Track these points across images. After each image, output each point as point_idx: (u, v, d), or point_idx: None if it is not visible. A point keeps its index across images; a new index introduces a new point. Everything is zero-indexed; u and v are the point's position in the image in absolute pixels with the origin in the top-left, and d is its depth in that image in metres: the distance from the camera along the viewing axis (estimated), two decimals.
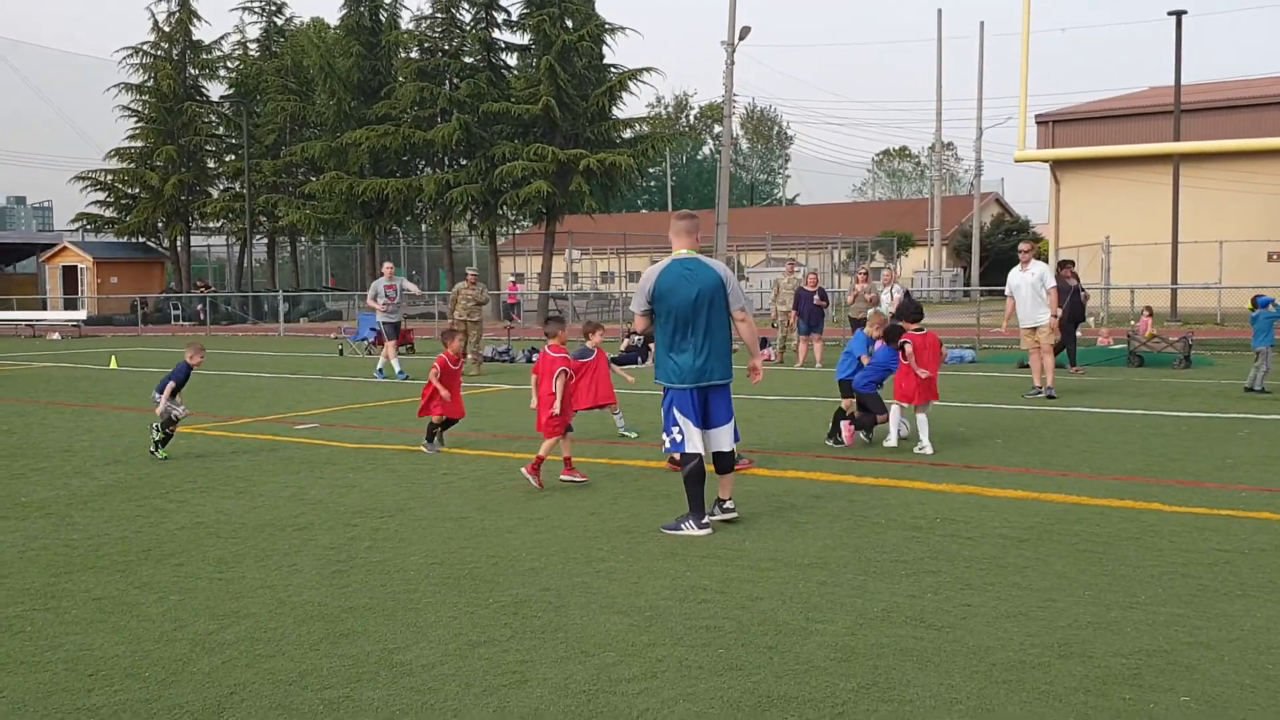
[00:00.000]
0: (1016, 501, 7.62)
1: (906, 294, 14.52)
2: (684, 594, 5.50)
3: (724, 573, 5.88)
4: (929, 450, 9.60)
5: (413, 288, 19.69)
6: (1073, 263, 18.66)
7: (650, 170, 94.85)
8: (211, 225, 48.96)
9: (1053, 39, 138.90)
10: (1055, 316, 14.12)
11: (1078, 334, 18.19)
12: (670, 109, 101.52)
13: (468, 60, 39.70)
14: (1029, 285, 14.18)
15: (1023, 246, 14.78)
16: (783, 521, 7.12)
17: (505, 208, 38.34)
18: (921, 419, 9.88)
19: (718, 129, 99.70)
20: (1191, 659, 4.48)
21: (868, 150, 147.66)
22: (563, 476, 8.60)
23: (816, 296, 19.07)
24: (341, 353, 24.43)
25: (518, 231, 50.47)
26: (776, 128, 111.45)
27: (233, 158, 48.14)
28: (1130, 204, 36.16)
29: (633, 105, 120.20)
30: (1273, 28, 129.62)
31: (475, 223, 40.42)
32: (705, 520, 6.79)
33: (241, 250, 48.56)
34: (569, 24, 37.78)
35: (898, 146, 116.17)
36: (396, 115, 39.16)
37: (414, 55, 40.00)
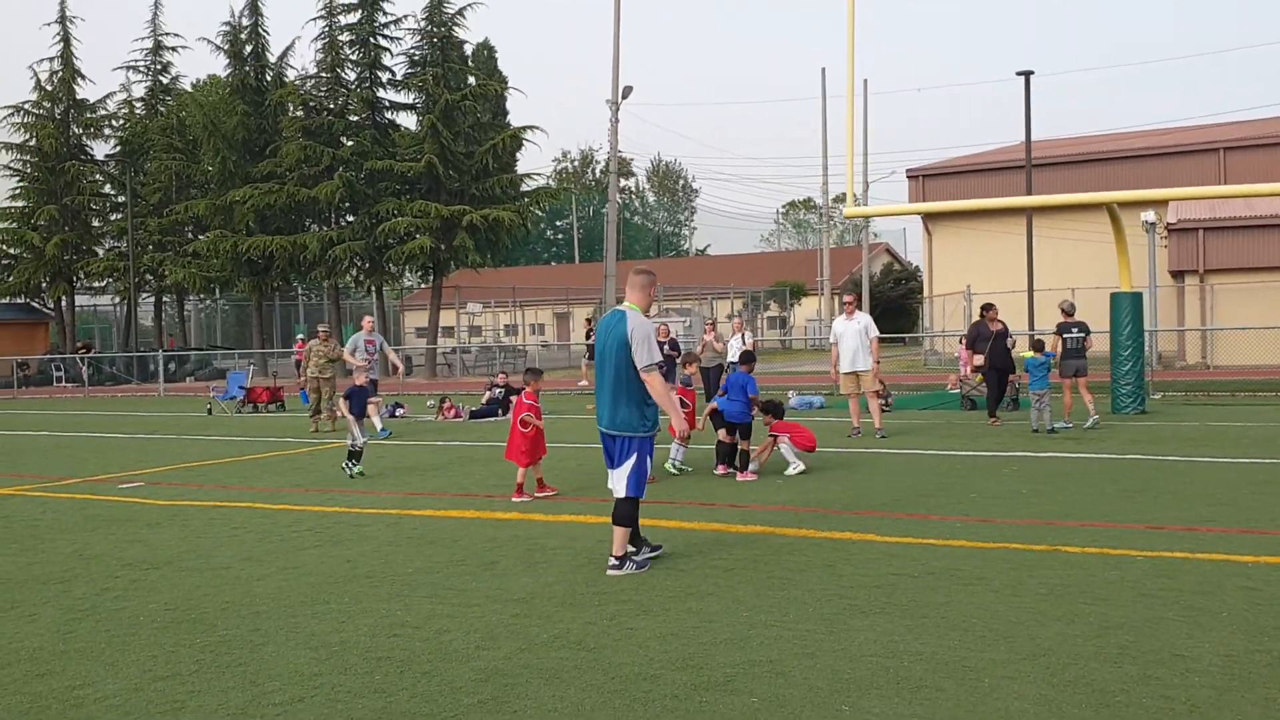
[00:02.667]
0: (749, 537, 8.27)
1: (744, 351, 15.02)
2: (382, 630, 5.98)
3: (432, 609, 6.39)
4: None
5: (391, 355, 19.08)
6: (994, 307, 17.73)
7: (542, 222, 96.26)
8: (96, 285, 48.33)
9: (923, 101, 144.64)
10: (877, 363, 15.22)
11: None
12: (576, 163, 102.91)
13: (353, 119, 40.16)
14: (854, 333, 15.19)
15: (847, 298, 15.84)
16: (524, 562, 7.65)
17: (390, 264, 38.66)
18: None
19: (622, 183, 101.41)
20: (788, 667, 5.11)
21: (773, 203, 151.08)
22: (537, 494, 10.40)
23: (667, 346, 19.70)
24: (210, 411, 24.46)
25: (406, 286, 50.73)
26: (682, 180, 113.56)
27: (118, 216, 47.75)
28: (992, 254, 37.84)
29: (534, 162, 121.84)
30: (1115, 87, 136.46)
31: (361, 279, 40.64)
32: (641, 558, 7.34)
33: (127, 310, 47.99)
34: (452, 83, 38.51)
35: (802, 198, 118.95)
36: (282, 173, 39.38)
37: (299, 114, 40.33)
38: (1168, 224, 30.94)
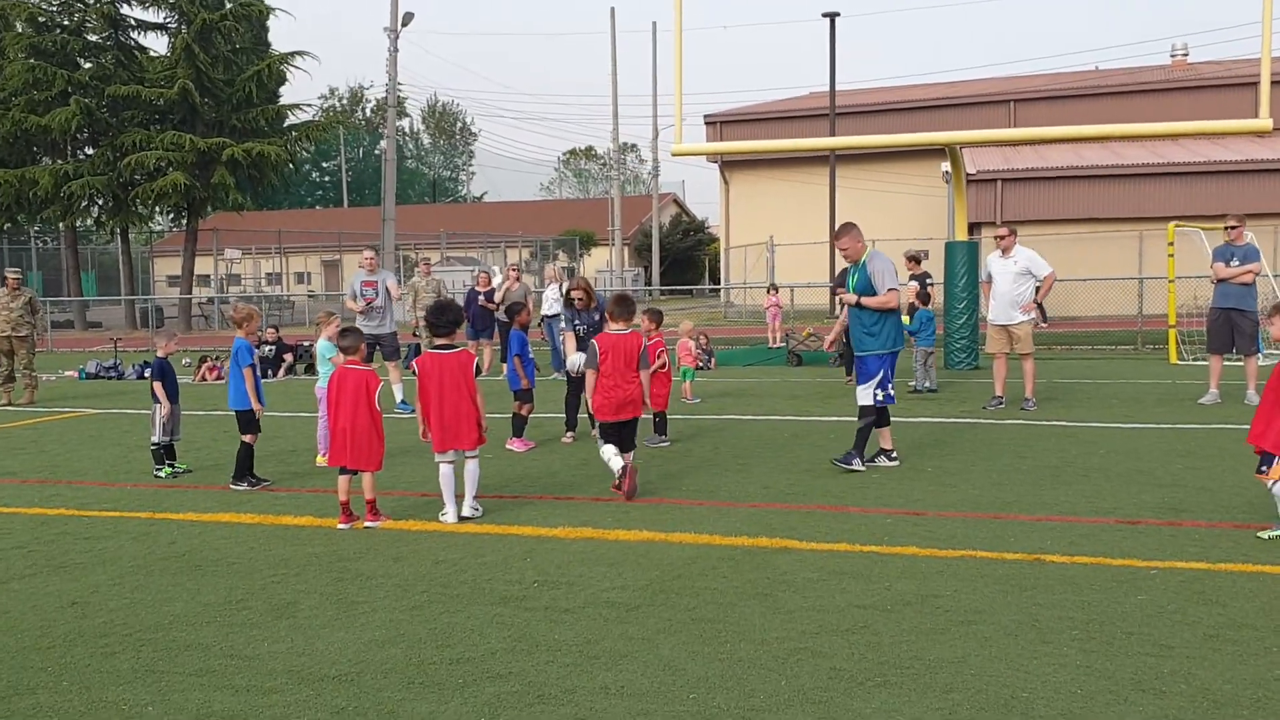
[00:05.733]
0: (639, 547, 6.30)
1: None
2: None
3: (200, 708, 4.10)
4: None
5: (393, 287, 13.36)
6: (924, 254, 16.03)
7: (307, 163, 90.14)
8: None
9: (721, 45, 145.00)
10: (1036, 307, 11.96)
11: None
12: (345, 101, 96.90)
13: (92, 38, 35.08)
14: (1011, 276, 11.77)
15: (1000, 230, 12.17)
16: (336, 602, 5.41)
17: (138, 203, 34.08)
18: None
19: (396, 123, 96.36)
20: None
21: (555, 149, 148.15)
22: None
23: (483, 298, 17.34)
24: None
25: (156, 230, 45.60)
26: (460, 123, 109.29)
27: None
28: (793, 203, 37.16)
29: (302, 94, 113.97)
30: (923, 31, 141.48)
31: (104, 219, 35.79)
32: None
33: None
34: (210, 1, 34.15)
35: (584, 146, 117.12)
36: (5, 97, 33.95)
37: (28, 30, 34.81)
38: (967, 174, 30.83)
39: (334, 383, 7.03)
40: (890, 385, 8.64)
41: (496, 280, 18.11)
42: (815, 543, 6.29)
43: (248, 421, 8.37)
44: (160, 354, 9.23)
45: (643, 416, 8.00)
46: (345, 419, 6.89)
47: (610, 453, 7.69)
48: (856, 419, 8.74)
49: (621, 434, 7.74)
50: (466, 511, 7.09)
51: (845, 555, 6.02)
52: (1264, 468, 6.08)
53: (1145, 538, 6.26)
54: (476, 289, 17.53)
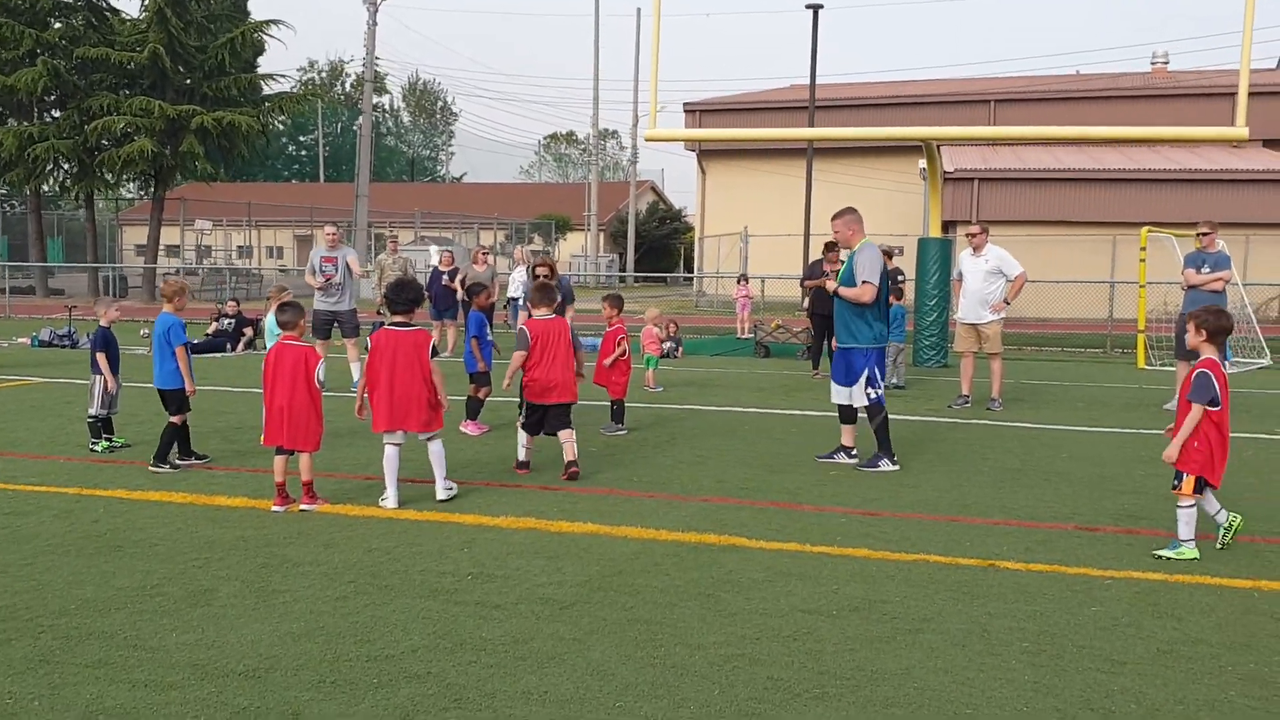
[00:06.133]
0: (583, 540, 6.07)
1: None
2: None
3: (90, 704, 3.83)
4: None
5: (354, 264, 12.79)
6: (836, 246, 14.74)
7: (284, 136, 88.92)
8: None
9: (706, 34, 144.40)
10: (1005, 305, 11.60)
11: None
12: (324, 75, 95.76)
13: None
14: (982, 274, 11.55)
15: (971, 228, 11.90)
16: (256, 590, 5.14)
17: (104, 169, 33.41)
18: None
19: (375, 99, 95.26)
20: None
21: (536, 133, 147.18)
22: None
23: (446, 278, 17.01)
24: None
25: (127, 198, 44.81)
26: (440, 102, 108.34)
27: None
28: (769, 195, 36.95)
29: (279, 65, 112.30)
30: (905, 25, 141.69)
31: (69, 185, 35.06)
32: None
33: None
34: None
35: (564, 131, 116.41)
36: None
37: None
38: (944, 173, 30.73)
39: (270, 359, 6.73)
40: (880, 383, 8.38)
41: (434, 260, 17.69)
42: (765, 541, 6.08)
43: (178, 401, 8.05)
44: (103, 323, 8.89)
45: (575, 403, 7.96)
46: (282, 397, 6.61)
47: (522, 438, 7.96)
48: (868, 421, 8.37)
49: (546, 416, 7.80)
50: (441, 495, 6.92)
51: (795, 555, 5.81)
52: (1176, 483, 5.86)
53: (1103, 545, 6.08)
54: (439, 269, 17.21)
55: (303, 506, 6.70)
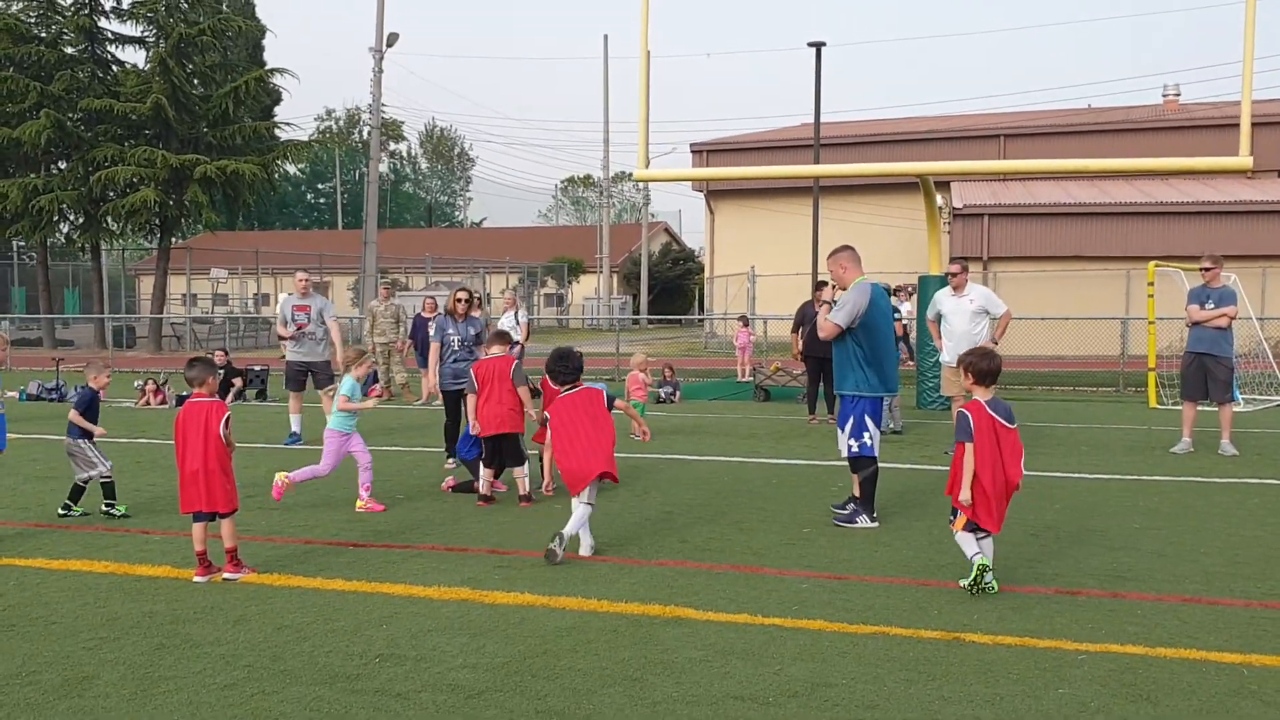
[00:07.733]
0: (515, 613, 5.59)
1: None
2: None
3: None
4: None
5: (331, 323, 12.35)
6: (827, 284, 15.02)
7: (303, 184, 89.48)
8: None
9: (712, 74, 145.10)
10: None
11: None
12: (341, 123, 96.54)
13: (68, 50, 34.57)
14: (966, 315, 11.19)
15: (952, 267, 11.59)
16: (141, 678, 4.69)
17: (109, 219, 33.42)
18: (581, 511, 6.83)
19: (392, 146, 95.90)
20: None
21: (554, 177, 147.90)
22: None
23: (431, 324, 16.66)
24: None
25: (144, 248, 44.90)
26: (458, 148, 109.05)
27: None
28: (777, 234, 36.57)
29: (292, 116, 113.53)
30: (906, 62, 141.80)
31: (75, 235, 35.10)
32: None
33: None
34: (189, 15, 33.68)
35: (582, 175, 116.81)
36: None
37: (3, 39, 34.28)
38: (953, 209, 30.31)
39: (179, 421, 6.31)
40: (866, 434, 7.70)
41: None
42: (714, 612, 5.58)
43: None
44: (93, 385, 8.33)
45: (520, 433, 8.53)
46: (194, 460, 6.18)
47: (483, 473, 8.62)
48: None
49: (503, 447, 8.49)
50: (585, 551, 6.87)
51: (742, 629, 5.31)
52: (952, 518, 6.00)
53: (1082, 611, 5.56)
54: (423, 315, 16.89)
55: (225, 575, 6.27)
